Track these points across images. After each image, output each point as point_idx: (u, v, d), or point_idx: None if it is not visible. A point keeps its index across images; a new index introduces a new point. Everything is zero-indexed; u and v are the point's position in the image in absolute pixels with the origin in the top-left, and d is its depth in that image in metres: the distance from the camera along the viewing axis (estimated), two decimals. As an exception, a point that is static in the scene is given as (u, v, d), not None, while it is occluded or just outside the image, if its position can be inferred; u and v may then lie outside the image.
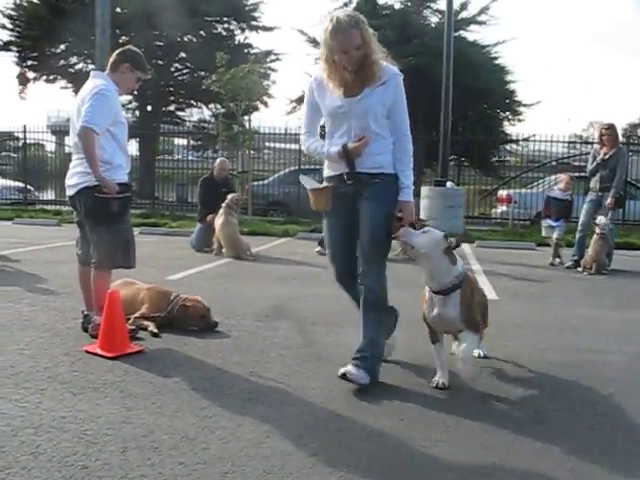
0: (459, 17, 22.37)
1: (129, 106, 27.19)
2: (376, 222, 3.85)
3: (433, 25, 24.07)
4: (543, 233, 10.80)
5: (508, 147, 24.92)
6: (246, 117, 16.41)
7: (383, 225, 3.86)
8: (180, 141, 30.94)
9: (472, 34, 24.12)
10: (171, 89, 27.85)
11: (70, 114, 4.88)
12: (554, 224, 10.21)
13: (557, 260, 9.95)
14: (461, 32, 22.62)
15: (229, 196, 9.72)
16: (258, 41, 67.18)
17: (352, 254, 4.02)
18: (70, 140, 4.85)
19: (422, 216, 13.87)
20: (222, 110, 21.16)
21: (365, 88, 3.80)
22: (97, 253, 4.70)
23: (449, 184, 14.35)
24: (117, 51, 4.86)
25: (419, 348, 4.47)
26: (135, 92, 5.11)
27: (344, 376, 3.82)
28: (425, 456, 3.00)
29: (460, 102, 16.75)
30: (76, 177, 4.69)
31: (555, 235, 10.06)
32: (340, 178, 3.93)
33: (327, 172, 4.05)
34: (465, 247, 11.79)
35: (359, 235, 3.93)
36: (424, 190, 14.31)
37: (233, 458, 2.90)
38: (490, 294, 7.05)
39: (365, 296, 3.95)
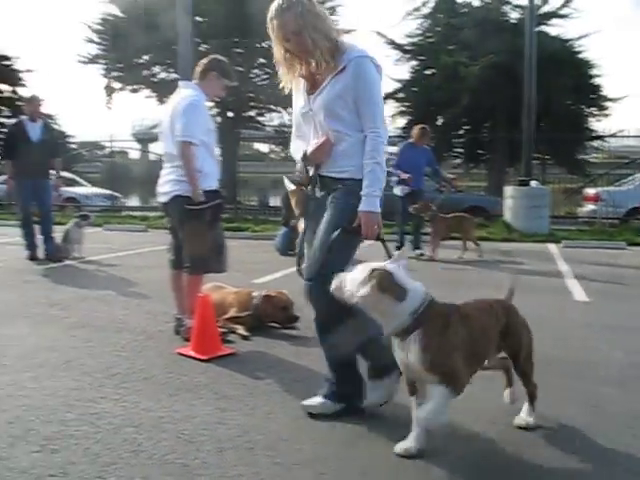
0: (540, 11, 21.88)
1: (210, 112, 27.70)
2: (323, 234, 3.35)
3: (513, 21, 23.61)
4: None
5: (594, 144, 24.22)
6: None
7: (328, 239, 3.31)
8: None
9: (554, 28, 23.58)
10: (251, 95, 28.22)
11: (160, 123, 5.01)
12: None
13: None
14: (543, 27, 22.10)
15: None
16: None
17: None
18: (162, 149, 4.98)
19: (506, 217, 13.67)
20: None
21: (325, 80, 3.29)
22: (190, 258, 4.82)
23: (533, 183, 14.04)
24: (204, 60, 4.96)
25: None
26: (217, 99, 5.25)
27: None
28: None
29: (543, 99, 16.38)
30: (169, 185, 4.82)
31: None
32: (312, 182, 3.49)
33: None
34: (552, 247, 11.53)
35: None
36: (508, 190, 14.07)
37: (328, 459, 2.93)
38: (580, 296, 6.89)
39: None
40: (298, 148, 3.51)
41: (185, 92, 4.79)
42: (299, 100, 3.46)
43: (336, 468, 2.84)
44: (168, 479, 2.74)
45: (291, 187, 3.67)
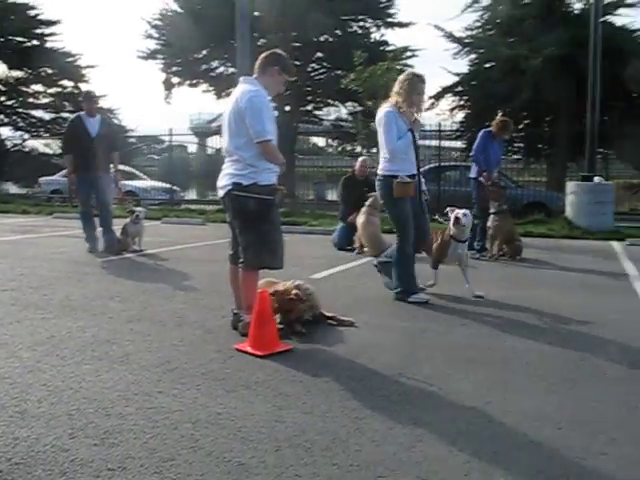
0: (606, 1, 21.18)
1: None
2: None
3: (577, 12, 23.00)
4: None
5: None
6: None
7: None
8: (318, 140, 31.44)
9: (620, 18, 22.84)
10: (308, 89, 28.28)
11: (222, 118, 5.00)
12: None
13: None
14: (608, 17, 21.42)
15: (371, 195, 9.73)
16: (394, 38, 67.10)
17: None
18: (223, 144, 4.98)
19: (567, 213, 13.32)
20: (359, 108, 21.24)
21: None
22: (244, 253, 4.82)
23: (597, 179, 13.63)
24: (264, 54, 4.92)
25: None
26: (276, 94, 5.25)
27: None
28: (586, 470, 2.84)
29: (607, 92, 15.83)
30: (225, 179, 4.83)
31: None
32: None
33: None
34: (616, 245, 11.19)
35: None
36: (570, 186, 13.69)
37: (386, 462, 2.86)
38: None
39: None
40: None
41: (245, 87, 4.77)
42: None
43: (394, 471, 2.78)
44: (225, 477, 2.72)
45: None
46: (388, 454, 2.94)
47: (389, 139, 6.06)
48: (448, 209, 6.82)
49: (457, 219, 6.51)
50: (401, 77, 6.26)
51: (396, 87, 6.19)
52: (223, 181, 4.86)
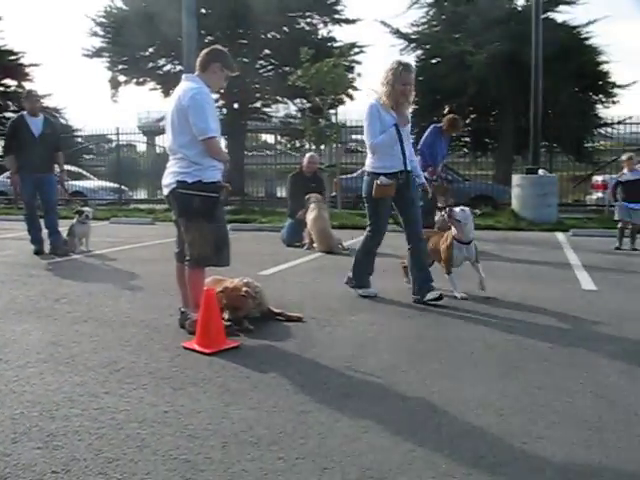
0: (546, -2, 21.58)
1: (216, 104, 27.51)
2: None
3: (519, 9, 23.38)
4: (617, 217, 10.17)
5: (602, 131, 23.97)
6: (332, 111, 16.39)
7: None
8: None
9: (561, 15, 23.29)
10: (257, 86, 28.13)
11: (166, 116, 4.96)
12: (636, 207, 9.72)
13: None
14: (549, 14, 21.85)
15: (312, 195, 9.76)
16: (341, 34, 67.16)
17: None
18: (166, 142, 4.96)
19: (514, 206, 13.59)
20: (308, 105, 21.26)
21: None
22: (190, 251, 4.80)
23: (541, 171, 13.91)
24: (205, 51, 4.90)
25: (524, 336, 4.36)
26: (222, 90, 5.26)
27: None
28: (526, 454, 2.92)
29: (549, 87, 16.17)
30: (170, 177, 4.80)
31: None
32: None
33: None
34: (560, 236, 11.46)
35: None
36: (515, 179, 13.96)
37: (331, 454, 2.89)
38: (588, 284, 6.84)
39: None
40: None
41: (187, 84, 4.74)
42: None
43: (340, 462, 2.81)
44: (171, 475, 2.71)
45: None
46: (334, 446, 2.98)
47: (370, 134, 5.90)
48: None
49: (451, 212, 6.21)
50: (386, 66, 5.96)
51: (381, 78, 5.95)
52: (167, 179, 4.83)
